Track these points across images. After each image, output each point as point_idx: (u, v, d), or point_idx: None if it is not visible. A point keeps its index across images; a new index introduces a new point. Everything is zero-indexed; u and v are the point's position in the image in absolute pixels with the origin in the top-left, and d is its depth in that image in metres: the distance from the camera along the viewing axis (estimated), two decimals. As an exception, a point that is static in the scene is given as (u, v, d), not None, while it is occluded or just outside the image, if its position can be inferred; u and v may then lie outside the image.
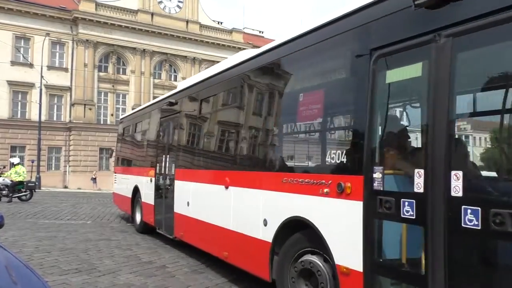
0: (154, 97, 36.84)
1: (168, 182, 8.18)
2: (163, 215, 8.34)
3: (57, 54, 33.59)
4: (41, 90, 29.64)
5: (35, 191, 18.98)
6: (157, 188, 8.85)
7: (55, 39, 32.86)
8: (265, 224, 4.72)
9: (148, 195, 9.41)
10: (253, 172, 5.17)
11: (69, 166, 33.43)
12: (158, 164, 8.95)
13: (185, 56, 37.99)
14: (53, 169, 33.51)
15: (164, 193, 8.40)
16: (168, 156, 8.43)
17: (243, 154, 5.63)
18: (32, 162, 28.73)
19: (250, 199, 5.13)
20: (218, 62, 39.17)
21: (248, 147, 5.56)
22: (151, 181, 9.20)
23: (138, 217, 10.25)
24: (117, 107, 35.48)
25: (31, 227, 10.47)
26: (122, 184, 12.03)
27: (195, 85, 7.57)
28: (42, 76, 29.23)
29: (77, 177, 33.06)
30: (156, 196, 8.87)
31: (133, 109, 35.43)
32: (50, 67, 32.46)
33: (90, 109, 33.61)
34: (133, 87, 35.73)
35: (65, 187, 32.76)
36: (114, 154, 20.88)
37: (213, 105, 6.85)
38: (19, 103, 32.34)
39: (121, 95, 35.84)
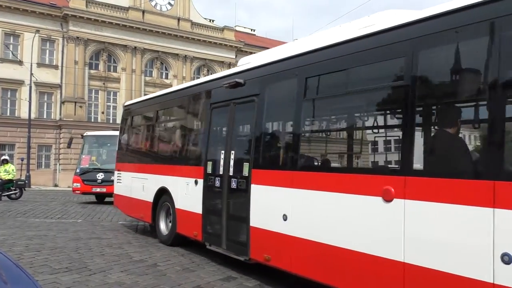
0: (146, 95, 36.67)
1: (235, 186, 6.20)
2: (224, 228, 6.41)
3: (47, 51, 33.26)
4: (30, 87, 29.39)
5: (24, 190, 18.86)
6: (210, 192, 6.85)
7: (45, 36, 32.55)
8: (507, 262, 3.09)
9: (189, 201, 7.37)
10: (474, 181, 3.34)
11: (59, 164, 33.19)
12: (210, 162, 6.90)
13: (177, 54, 37.85)
14: (43, 167, 33.23)
15: (225, 200, 6.44)
16: (232, 152, 6.43)
17: (442, 151, 3.86)
18: (22, 160, 28.47)
19: (458, 221, 3.42)
20: (210, 60, 38.80)
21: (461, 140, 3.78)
22: (196, 183, 7.16)
23: (163, 227, 8.53)
24: (108, 105, 35.25)
25: (20, 226, 10.39)
26: (134, 184, 9.75)
27: (291, 58, 5.57)
28: (31, 74, 28.98)
29: (67, 175, 32.73)
30: (208, 203, 6.89)
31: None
32: (40, 65, 32.15)
33: (80, 106, 33.38)
34: (124, 84, 35.52)
35: (55, 185, 32.52)
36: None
37: (347, 81, 4.90)
38: (8, 101, 31.99)
39: (112, 93, 35.60)
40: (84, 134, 19.46)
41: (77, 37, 33.28)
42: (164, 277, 5.94)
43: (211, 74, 23.90)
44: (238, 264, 6.58)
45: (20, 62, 31.12)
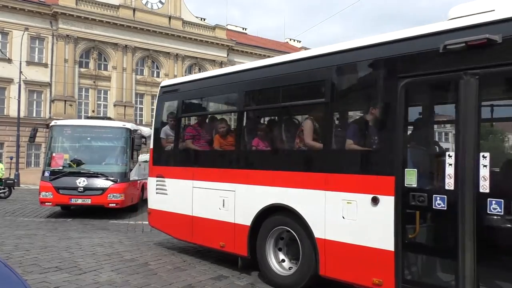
0: (137, 94, 36.64)
1: (499, 211, 3.85)
2: (470, 279, 3.97)
3: (37, 49, 32.94)
4: (19, 85, 29.11)
5: (13, 189, 18.69)
6: (419, 219, 4.38)
7: (35, 34, 32.22)
8: None
9: (356, 229, 4.79)
10: None
11: (49, 163, 32.89)
12: (415, 170, 4.38)
13: (168, 53, 37.70)
14: (32, 166, 32.90)
15: (469, 233, 3.98)
16: (484, 154, 3.97)
17: None
18: (11, 159, 28.24)
19: None
20: (201, 58, 38.44)
21: None
22: (374, 202, 4.60)
23: (275, 263, 5.75)
24: (98, 103, 35.03)
25: (9, 225, 10.29)
26: (201, 198, 6.81)
27: None
28: (21, 72, 28.68)
29: (57, 174, 32.52)
30: (415, 236, 4.44)
31: (115, 105, 35.26)
32: (29, 63, 31.81)
33: (70, 105, 33.13)
34: (115, 83, 35.31)
35: (45, 184, 32.23)
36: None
37: None
38: (-3, 99, 31.70)
39: (102, 91, 35.37)
40: (52, 124, 13.81)
41: (67, 35, 33.01)
42: (155, 276, 5.91)
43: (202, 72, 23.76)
44: (230, 263, 6.58)
45: (9, 60, 30.79)
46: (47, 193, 12.17)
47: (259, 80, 6.24)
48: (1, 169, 18.24)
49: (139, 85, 36.68)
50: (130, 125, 13.71)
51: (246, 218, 5.96)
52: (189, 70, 39.13)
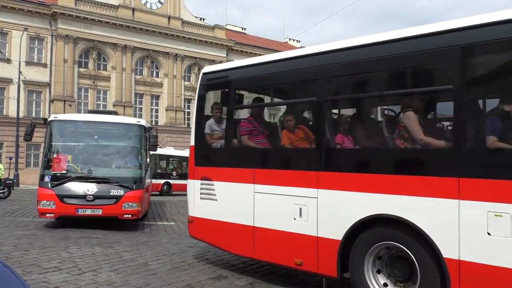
0: (136, 94, 36.61)
1: None
2: None
3: (36, 49, 32.98)
4: (19, 86, 29.12)
5: (13, 189, 18.70)
6: None
7: (34, 34, 32.25)
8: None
9: (507, 249, 3.69)
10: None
11: (49, 163, 32.85)
12: None
13: (167, 53, 37.72)
14: (31, 166, 32.90)
15: None
16: None
17: None
18: (10, 159, 28.22)
19: None
20: (200, 58, 38.56)
21: None
22: None
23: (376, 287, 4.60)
24: (97, 104, 35.03)
25: (9, 225, 10.28)
26: (265, 205, 5.56)
27: None
28: (20, 72, 28.69)
29: (56, 174, 32.48)
30: None
31: (114, 105, 35.18)
32: (28, 63, 31.83)
33: (70, 105, 33.12)
34: (114, 83, 35.33)
35: (44, 184, 32.19)
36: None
37: None
38: (-4, 99, 31.70)
39: (102, 92, 35.40)
40: (51, 118, 11.31)
41: (66, 35, 33.03)
42: (154, 276, 5.90)
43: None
44: (229, 263, 6.58)
45: (8, 60, 30.82)
46: (48, 203, 10.09)
47: (354, 64, 4.92)
48: (1, 169, 18.27)
49: (138, 85, 36.71)
50: (144, 122, 11.64)
51: (335, 231, 4.77)
52: (189, 70, 39.18)
